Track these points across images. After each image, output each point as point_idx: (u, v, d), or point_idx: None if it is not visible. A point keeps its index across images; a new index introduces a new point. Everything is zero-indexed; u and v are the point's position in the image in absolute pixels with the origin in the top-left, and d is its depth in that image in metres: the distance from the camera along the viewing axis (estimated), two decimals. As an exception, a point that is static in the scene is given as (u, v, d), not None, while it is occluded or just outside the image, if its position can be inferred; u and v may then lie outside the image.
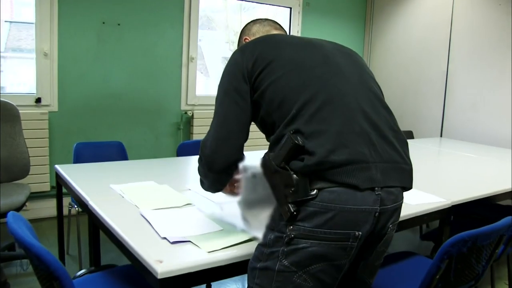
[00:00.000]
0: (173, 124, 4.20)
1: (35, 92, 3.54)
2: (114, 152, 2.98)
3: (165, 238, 1.38)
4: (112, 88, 3.87)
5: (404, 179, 1.21)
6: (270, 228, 1.20)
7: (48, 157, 3.56)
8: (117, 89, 3.89)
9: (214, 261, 1.28)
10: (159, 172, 2.31)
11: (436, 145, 3.86)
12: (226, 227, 1.50)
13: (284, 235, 1.13)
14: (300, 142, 1.12)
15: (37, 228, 3.15)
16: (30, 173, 3.04)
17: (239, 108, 1.26)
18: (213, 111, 1.31)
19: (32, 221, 3.51)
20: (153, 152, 4.10)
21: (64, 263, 2.41)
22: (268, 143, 1.26)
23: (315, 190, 1.10)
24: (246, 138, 1.28)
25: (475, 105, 4.30)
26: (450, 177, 2.58)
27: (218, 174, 1.28)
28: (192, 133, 4.24)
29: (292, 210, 1.11)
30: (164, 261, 1.22)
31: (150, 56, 4.02)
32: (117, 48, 3.84)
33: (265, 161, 1.20)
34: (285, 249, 1.13)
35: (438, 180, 2.51)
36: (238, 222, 1.51)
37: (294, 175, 1.11)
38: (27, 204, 3.54)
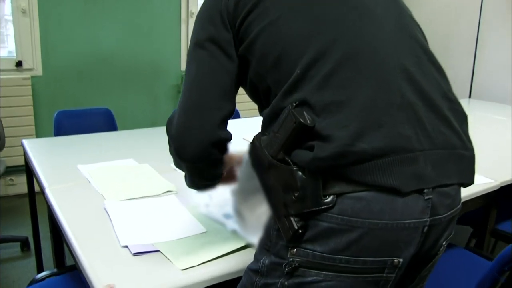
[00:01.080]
0: (173, 86, 3.82)
1: (14, 55, 3.16)
2: (101, 121, 2.62)
3: (126, 246, 1.03)
4: (103, 49, 3.48)
5: (464, 171, 0.82)
6: (264, 247, 0.83)
7: (33, 127, 3.23)
8: (109, 49, 3.49)
9: (190, 283, 0.92)
10: (145, 146, 1.95)
11: (465, 107, 3.43)
12: (212, 228, 1.14)
13: (284, 262, 0.77)
14: (308, 121, 0.73)
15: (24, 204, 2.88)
16: (11, 145, 2.72)
17: (217, 64, 0.87)
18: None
19: (20, 196, 3.24)
20: (152, 119, 3.75)
21: (40, 253, 2.11)
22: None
23: (331, 196, 0.72)
24: (231, 109, 0.90)
25: (508, 64, 3.84)
26: (488, 148, 2.16)
27: (192, 164, 0.90)
28: (194, 97, 3.85)
29: (296, 227, 0.74)
30: (116, 286, 0.88)
31: (145, 12, 3.60)
32: (108, 3, 3.42)
33: (253, 149, 0.82)
34: (286, 283, 0.77)
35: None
36: (229, 218, 1.16)
37: (299, 172, 0.73)
38: (13, 178, 3.27)
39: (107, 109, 2.65)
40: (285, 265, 0.76)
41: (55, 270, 1.43)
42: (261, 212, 1.12)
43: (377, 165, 0.71)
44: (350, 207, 0.72)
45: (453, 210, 0.80)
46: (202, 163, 0.89)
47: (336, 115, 0.73)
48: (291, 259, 0.76)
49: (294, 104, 0.76)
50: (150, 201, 1.30)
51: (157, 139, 2.06)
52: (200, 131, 0.85)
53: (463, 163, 0.81)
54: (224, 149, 0.91)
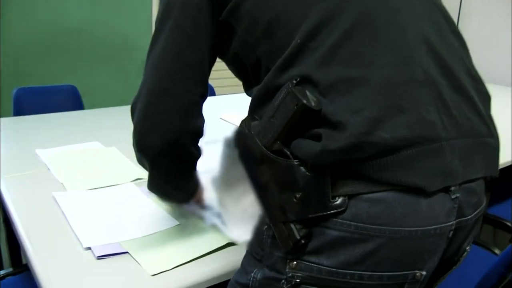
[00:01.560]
0: (143, 62, 3.60)
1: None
2: (66, 99, 2.43)
3: (89, 248, 0.88)
4: (69, 22, 3.23)
5: (489, 163, 0.69)
6: (254, 256, 0.70)
7: (-8, 105, 3.00)
8: (76, 23, 3.25)
9: (162, 291, 0.79)
10: (112, 127, 1.78)
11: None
12: (187, 221, 1.00)
13: (282, 278, 0.64)
14: (313, 103, 0.59)
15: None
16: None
17: (186, 37, 0.72)
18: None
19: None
20: (123, 96, 3.53)
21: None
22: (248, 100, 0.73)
23: (342, 198, 0.59)
24: (203, 92, 0.76)
25: (489, 42, 3.74)
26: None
27: (155, 160, 0.77)
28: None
29: (298, 236, 0.60)
30: (75, 299, 0.74)
31: (113, -19, 3.36)
32: (71, -29, 3.17)
33: (241, 137, 0.68)
34: None
35: None
36: (208, 210, 1.02)
37: (302, 168, 0.59)
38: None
39: (72, 86, 2.46)
40: (283, 282, 0.63)
41: (11, 269, 1.27)
42: (248, 203, 0.99)
43: (399, 159, 0.58)
44: (366, 212, 0.58)
45: (479, 210, 0.68)
46: (166, 158, 0.76)
47: (347, 95, 0.59)
48: (290, 274, 0.63)
49: (295, 82, 0.61)
50: (116, 191, 1.15)
51: (126, 120, 1.88)
52: (165, 120, 0.72)
53: (489, 153, 0.68)
54: (196, 141, 0.77)
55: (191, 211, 1.03)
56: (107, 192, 1.13)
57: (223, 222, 0.98)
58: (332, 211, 0.58)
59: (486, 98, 0.71)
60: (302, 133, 0.60)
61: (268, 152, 0.61)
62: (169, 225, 0.98)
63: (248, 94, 0.76)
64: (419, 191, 0.59)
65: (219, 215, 1.00)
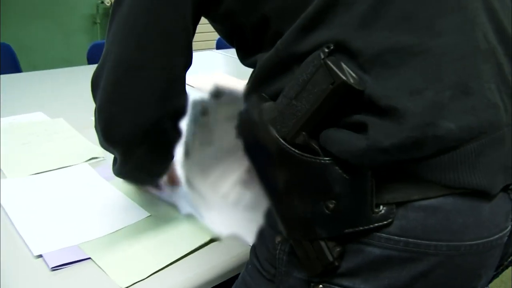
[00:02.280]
0: (87, 16, 3.28)
1: None
2: (-1, 59, 2.13)
3: (40, 256, 0.71)
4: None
5: None
6: (261, 274, 0.55)
7: None
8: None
9: (138, 309, 0.64)
10: (57, 93, 1.55)
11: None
12: (158, 210, 0.84)
13: None
14: (353, 80, 0.43)
15: None
16: None
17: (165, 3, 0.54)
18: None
19: None
20: (63, 55, 3.22)
21: None
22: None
23: (387, 207, 0.45)
24: (187, 60, 0.59)
25: None
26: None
27: (126, 152, 0.62)
28: (113, 29, 3.34)
29: (331, 258, 0.47)
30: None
31: None
32: None
33: (247, 124, 0.51)
34: None
35: None
36: (183, 198, 0.87)
37: (337, 168, 0.44)
38: None
39: (5, 44, 2.16)
40: None
41: None
42: (228, 187, 0.84)
43: (463, 155, 0.44)
44: (420, 224, 0.45)
45: None
46: (141, 148, 0.61)
47: (399, 71, 0.44)
48: None
49: (327, 50, 0.45)
50: (68, 175, 0.96)
51: (73, 84, 1.65)
52: (138, 103, 0.56)
53: None
54: (178, 123, 0.62)
55: (163, 198, 0.87)
56: (56, 177, 0.94)
57: (200, 213, 0.82)
58: (376, 224, 0.45)
59: None
60: (336, 121, 0.45)
61: (289, 147, 0.45)
62: (138, 218, 0.81)
63: (246, 64, 0.59)
64: (482, 194, 0.46)
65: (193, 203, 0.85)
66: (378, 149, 0.43)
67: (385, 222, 0.45)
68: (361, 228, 0.45)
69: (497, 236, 0.48)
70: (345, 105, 0.45)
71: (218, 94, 0.80)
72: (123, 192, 0.89)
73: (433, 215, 0.45)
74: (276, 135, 0.46)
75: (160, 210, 0.84)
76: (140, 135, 0.59)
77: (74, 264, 0.69)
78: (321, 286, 0.49)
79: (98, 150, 1.06)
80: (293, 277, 0.51)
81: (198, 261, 0.72)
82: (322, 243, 0.47)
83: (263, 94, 0.51)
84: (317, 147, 0.45)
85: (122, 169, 0.69)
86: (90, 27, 3.30)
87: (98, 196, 0.88)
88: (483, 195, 0.46)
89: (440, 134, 0.43)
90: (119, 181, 0.93)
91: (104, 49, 0.58)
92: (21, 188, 0.89)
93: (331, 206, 0.45)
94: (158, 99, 0.57)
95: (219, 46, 2.58)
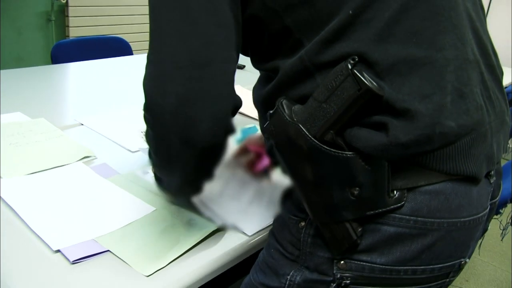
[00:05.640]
0: (41, 14, 3.19)
1: None
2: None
3: (58, 251, 0.73)
4: None
5: (506, 140, 0.68)
6: (286, 256, 0.63)
7: None
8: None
9: (163, 294, 0.68)
10: (34, 92, 1.52)
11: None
12: (162, 204, 0.88)
13: (329, 279, 0.58)
14: (374, 87, 0.51)
15: None
16: None
17: None
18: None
19: None
20: (16, 54, 3.11)
21: None
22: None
23: (399, 191, 0.54)
24: (237, 58, 0.61)
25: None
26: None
27: (207, 149, 0.59)
28: (68, 26, 3.27)
29: (355, 237, 0.55)
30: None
31: None
32: None
33: (281, 125, 0.57)
34: None
35: None
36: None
37: (360, 161, 0.53)
38: None
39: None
40: (331, 283, 0.58)
41: None
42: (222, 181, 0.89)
43: (459, 148, 0.55)
44: (426, 205, 0.55)
45: (500, 191, 0.68)
46: (222, 144, 0.60)
47: (410, 78, 0.53)
48: (338, 276, 0.57)
49: (352, 62, 0.52)
50: (65, 174, 0.97)
51: (43, 83, 1.64)
52: (216, 98, 0.56)
53: (506, 131, 0.68)
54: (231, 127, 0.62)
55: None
56: (54, 176, 0.96)
57: (202, 203, 0.87)
58: (391, 207, 0.54)
59: (501, 74, 0.69)
60: (358, 121, 0.54)
61: (320, 144, 0.53)
62: (145, 212, 0.85)
63: (262, 68, 0.65)
64: (472, 179, 0.57)
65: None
66: (398, 144, 0.52)
67: (398, 205, 0.54)
68: (379, 210, 0.54)
69: (482, 213, 0.59)
70: (367, 107, 0.52)
71: None
72: (124, 189, 0.92)
73: (436, 198, 0.55)
74: (308, 134, 0.54)
75: (164, 205, 0.88)
76: (219, 129, 0.59)
77: (93, 257, 0.73)
78: (342, 262, 0.57)
79: (86, 148, 1.08)
80: (317, 256, 0.59)
81: (209, 248, 0.78)
82: (347, 225, 0.55)
83: (288, 97, 0.58)
84: (342, 143, 0.53)
85: (185, 182, 0.67)
86: (45, 24, 3.21)
87: (101, 192, 0.91)
88: (473, 180, 0.57)
89: (445, 131, 0.52)
90: (118, 178, 0.97)
91: (154, 55, 0.57)
92: (23, 187, 0.90)
93: (356, 192, 0.53)
94: (229, 93, 0.58)
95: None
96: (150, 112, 0.58)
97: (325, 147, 0.53)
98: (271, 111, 0.58)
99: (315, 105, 0.54)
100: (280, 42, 0.61)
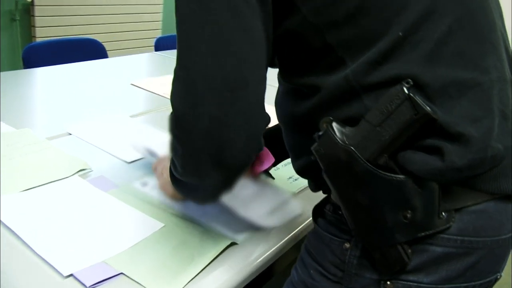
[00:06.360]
0: (4, 13, 3.05)
1: None
2: None
3: (71, 275, 0.70)
4: None
5: None
6: (328, 278, 0.62)
7: None
8: None
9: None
10: (13, 101, 1.45)
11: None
12: (171, 220, 0.86)
13: None
14: (429, 110, 0.52)
15: None
16: None
17: (250, 6, 0.53)
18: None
19: None
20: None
21: None
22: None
23: (447, 213, 0.55)
24: (266, 73, 0.59)
25: None
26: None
27: (236, 172, 0.59)
28: (34, 26, 3.15)
29: (407, 259, 0.55)
30: None
31: None
32: None
33: (332, 149, 0.56)
34: None
35: None
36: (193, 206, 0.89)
37: (414, 184, 0.53)
38: None
39: None
40: None
41: None
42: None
43: (503, 169, 0.56)
44: (472, 225, 0.56)
45: None
46: (251, 162, 0.59)
47: (460, 102, 0.53)
48: None
49: (407, 85, 0.52)
50: (62, 189, 0.93)
51: (17, 90, 1.56)
52: (250, 120, 0.55)
53: None
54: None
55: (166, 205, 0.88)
56: (52, 192, 0.91)
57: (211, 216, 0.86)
58: (440, 228, 0.55)
59: None
60: (410, 144, 0.53)
61: (373, 167, 0.53)
62: (154, 229, 0.82)
63: (295, 83, 0.63)
64: (508, 197, 0.58)
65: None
66: (453, 169, 0.52)
67: (447, 226, 0.54)
68: (430, 232, 0.54)
69: None
70: (420, 131, 0.52)
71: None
72: (126, 203, 0.89)
73: (481, 217, 0.56)
74: (362, 158, 0.53)
75: (172, 220, 0.86)
76: (253, 150, 0.58)
77: (108, 280, 0.70)
78: (389, 282, 0.57)
79: (83, 161, 1.04)
80: (364, 278, 0.59)
81: (223, 264, 0.76)
82: (399, 247, 0.55)
83: (335, 119, 0.57)
84: (395, 166, 0.53)
85: (208, 194, 0.67)
86: (9, 24, 3.07)
87: (104, 208, 0.87)
88: (509, 198, 0.58)
89: (494, 153, 0.53)
90: (117, 191, 0.93)
91: (183, 71, 0.55)
92: (20, 205, 0.85)
93: (408, 215, 0.53)
94: (261, 113, 0.57)
95: (157, 48, 2.55)
96: (181, 129, 0.56)
97: (379, 170, 0.53)
98: (319, 133, 0.57)
99: (369, 129, 0.53)
100: (319, 58, 0.59)
